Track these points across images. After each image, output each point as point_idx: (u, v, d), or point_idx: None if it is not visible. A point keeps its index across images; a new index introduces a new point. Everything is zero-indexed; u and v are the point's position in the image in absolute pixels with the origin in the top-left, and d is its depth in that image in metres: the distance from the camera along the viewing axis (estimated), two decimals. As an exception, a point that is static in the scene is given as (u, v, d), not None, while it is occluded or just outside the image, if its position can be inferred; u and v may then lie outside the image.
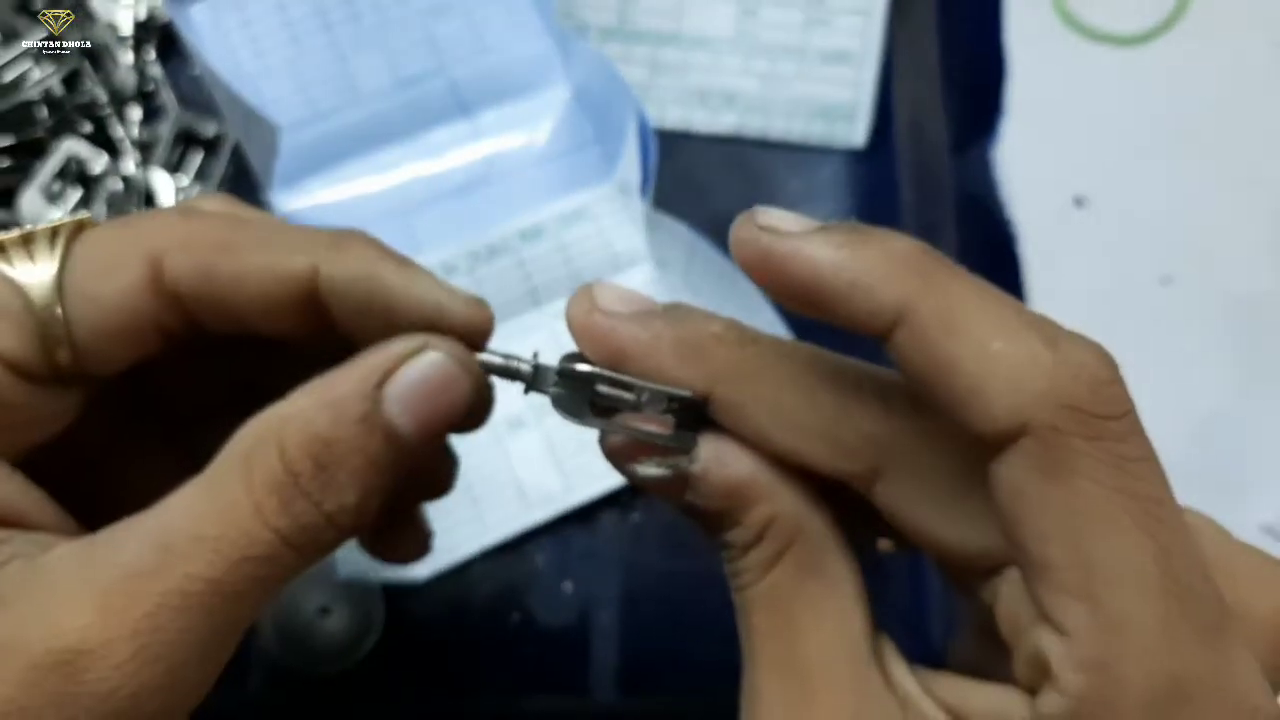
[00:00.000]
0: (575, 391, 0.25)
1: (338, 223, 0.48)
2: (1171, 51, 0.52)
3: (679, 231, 0.49)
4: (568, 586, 0.46)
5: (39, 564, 0.23)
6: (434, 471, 0.32)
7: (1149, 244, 0.49)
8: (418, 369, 0.24)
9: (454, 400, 0.25)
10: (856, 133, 0.51)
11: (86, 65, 0.49)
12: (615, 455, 0.25)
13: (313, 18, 0.49)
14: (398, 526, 0.32)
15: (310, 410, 0.23)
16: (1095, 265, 0.50)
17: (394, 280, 0.26)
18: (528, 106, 0.50)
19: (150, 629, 0.22)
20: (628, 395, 0.24)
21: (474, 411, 0.26)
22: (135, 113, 0.49)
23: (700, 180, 0.51)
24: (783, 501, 0.23)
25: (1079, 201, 0.51)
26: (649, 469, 0.24)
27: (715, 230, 0.49)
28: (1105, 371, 0.20)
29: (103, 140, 0.49)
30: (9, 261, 0.24)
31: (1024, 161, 0.51)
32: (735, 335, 0.24)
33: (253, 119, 0.44)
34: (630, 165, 0.46)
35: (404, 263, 0.26)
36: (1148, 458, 0.20)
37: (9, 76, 0.48)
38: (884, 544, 0.38)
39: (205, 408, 0.30)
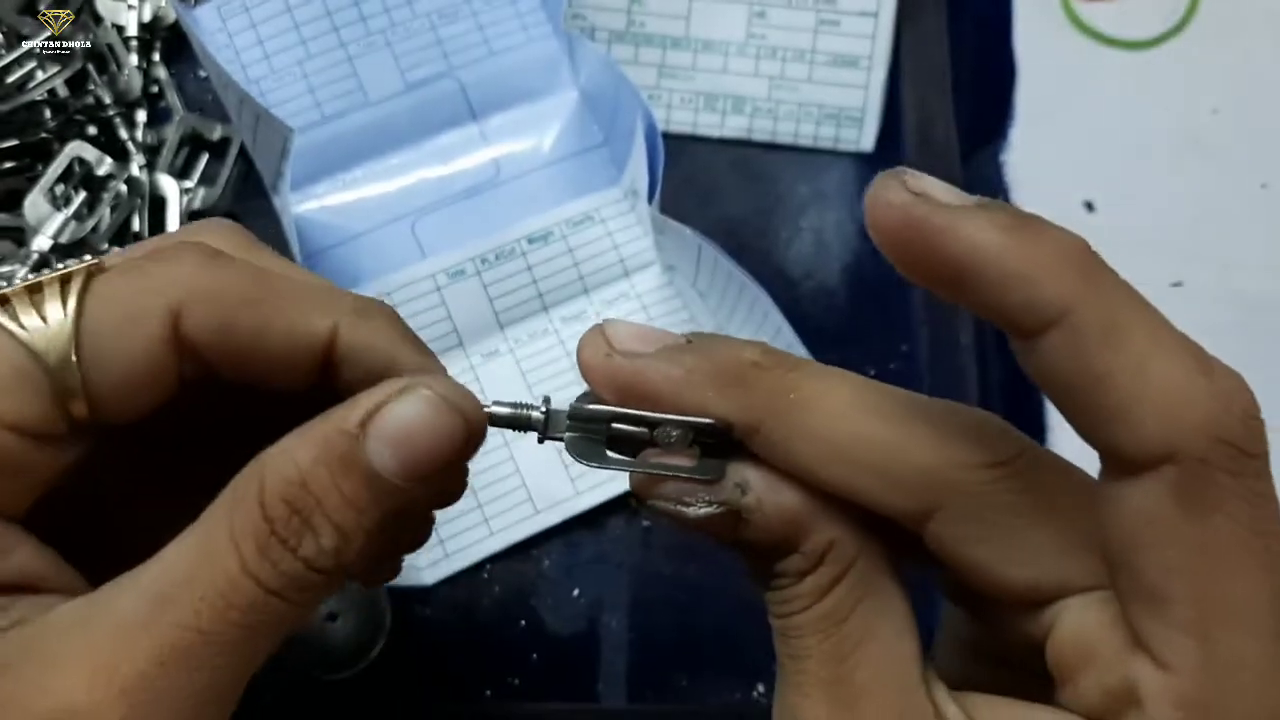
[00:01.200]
0: (590, 434, 0.23)
1: (344, 226, 0.48)
2: (1181, 55, 0.52)
3: (687, 235, 0.48)
4: (576, 591, 0.45)
5: (39, 626, 0.22)
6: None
7: (1160, 248, 0.49)
8: (404, 408, 0.23)
9: (443, 441, 0.23)
10: (865, 137, 0.51)
11: (91, 67, 0.49)
12: (646, 493, 0.23)
13: (320, 20, 0.49)
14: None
15: (292, 452, 0.23)
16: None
17: (409, 363, 0.25)
18: (535, 110, 0.50)
19: (141, 688, 0.21)
20: (645, 430, 0.23)
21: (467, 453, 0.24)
22: (141, 115, 0.49)
23: (708, 184, 0.51)
24: (841, 523, 0.22)
25: (1089, 206, 0.50)
26: (698, 509, 0.22)
27: (723, 234, 0.49)
28: (1252, 404, 0.20)
29: (108, 143, 0.48)
30: (13, 317, 0.23)
31: (1034, 166, 0.50)
32: (775, 361, 0.23)
33: (263, 121, 0.44)
34: (638, 169, 0.46)
35: (422, 349, 0.26)
36: (1273, 496, 0.20)
37: (13, 78, 0.48)
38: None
39: (210, 446, 0.29)
